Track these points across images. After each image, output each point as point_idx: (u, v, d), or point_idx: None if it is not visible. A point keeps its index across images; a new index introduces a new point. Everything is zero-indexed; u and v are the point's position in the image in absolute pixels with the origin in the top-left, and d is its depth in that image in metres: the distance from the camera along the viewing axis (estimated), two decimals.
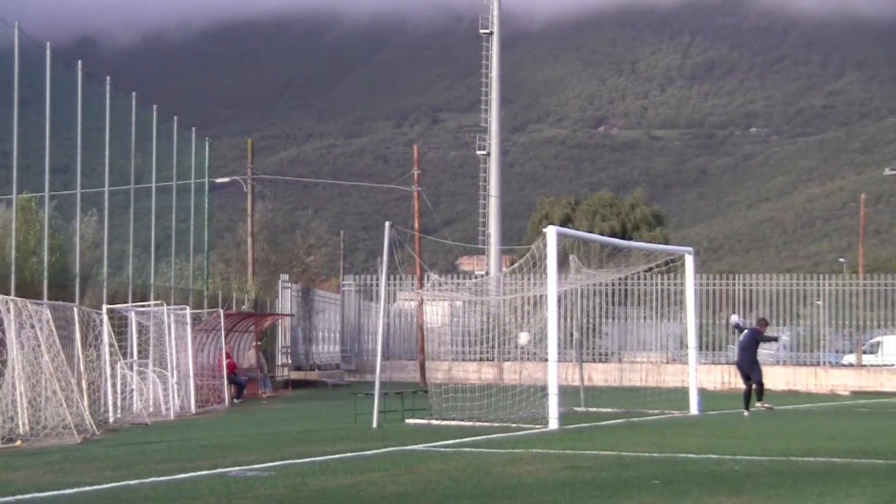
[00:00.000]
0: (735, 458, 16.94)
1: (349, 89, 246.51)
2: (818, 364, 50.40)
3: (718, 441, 20.50)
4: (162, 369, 30.52)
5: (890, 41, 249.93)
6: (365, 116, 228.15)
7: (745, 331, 31.05)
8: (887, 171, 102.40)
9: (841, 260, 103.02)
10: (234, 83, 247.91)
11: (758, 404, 29.76)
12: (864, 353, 52.68)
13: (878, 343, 53.55)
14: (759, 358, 31.23)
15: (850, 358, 53.51)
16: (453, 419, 25.76)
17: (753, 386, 30.18)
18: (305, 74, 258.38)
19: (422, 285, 45.83)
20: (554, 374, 24.52)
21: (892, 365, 51.02)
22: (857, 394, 45.96)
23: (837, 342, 53.04)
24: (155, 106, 39.95)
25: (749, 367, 30.39)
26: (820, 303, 51.29)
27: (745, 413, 29.28)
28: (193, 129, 43.69)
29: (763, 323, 32.58)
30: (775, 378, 48.07)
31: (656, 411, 29.65)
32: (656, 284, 50.09)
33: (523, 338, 31.41)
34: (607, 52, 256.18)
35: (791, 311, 50.83)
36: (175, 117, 42.21)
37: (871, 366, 50.86)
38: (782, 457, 17.35)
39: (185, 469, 15.80)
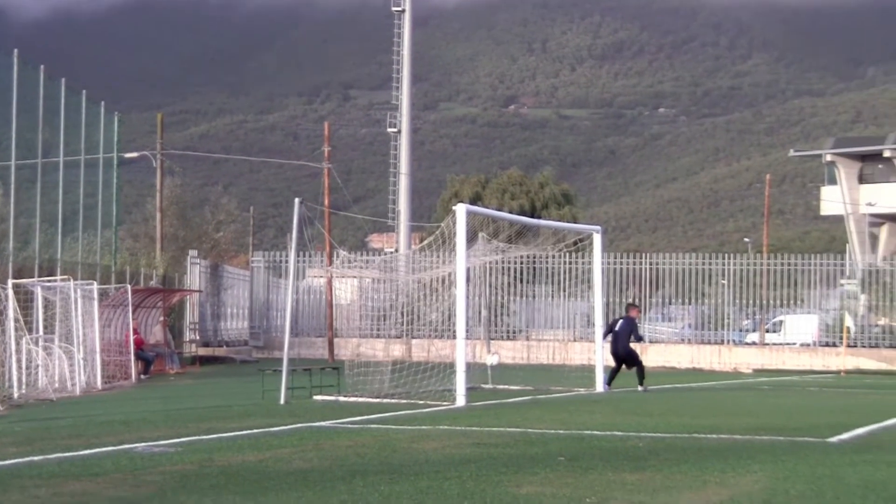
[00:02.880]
0: (639, 435, 17.14)
1: (260, 65, 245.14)
2: (722, 342, 50.97)
3: (623, 418, 20.73)
4: (68, 345, 30.25)
5: (796, 24, 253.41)
6: (276, 93, 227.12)
7: (621, 320, 31.11)
8: (792, 153, 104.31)
9: (746, 240, 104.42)
10: (144, 57, 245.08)
11: (639, 388, 29.87)
12: (767, 331, 53.49)
13: (781, 322, 54.38)
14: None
15: (753, 336, 54.30)
16: (361, 396, 25.83)
17: (634, 369, 30.46)
18: (217, 50, 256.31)
19: (331, 262, 45.78)
20: (461, 351, 24.66)
21: (794, 343, 51.85)
22: (759, 372, 46.63)
23: (741, 321, 53.77)
24: (63, 79, 39.43)
25: (627, 355, 30.60)
26: (724, 282, 51.94)
27: (640, 388, 29.63)
28: (102, 103, 43.18)
29: (635, 309, 32.70)
30: (679, 356, 48.73)
31: (563, 388, 29.92)
32: (564, 263, 50.35)
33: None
34: (518, 32, 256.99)
35: (696, 290, 51.36)
36: (84, 91, 41.68)
37: (774, 344, 51.63)
38: (685, 433, 17.58)
39: (90, 445, 15.70)
